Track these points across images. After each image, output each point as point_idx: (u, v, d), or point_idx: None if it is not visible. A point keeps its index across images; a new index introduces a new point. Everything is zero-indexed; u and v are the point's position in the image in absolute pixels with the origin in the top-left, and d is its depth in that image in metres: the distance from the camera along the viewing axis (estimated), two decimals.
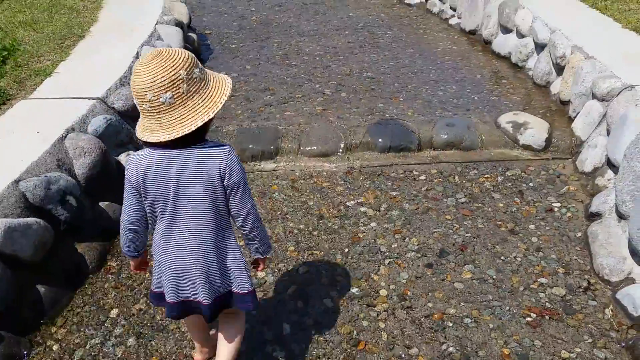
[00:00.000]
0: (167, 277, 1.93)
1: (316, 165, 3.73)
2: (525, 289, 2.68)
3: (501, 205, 3.30)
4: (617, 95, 3.41)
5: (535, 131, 3.82)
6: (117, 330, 2.47)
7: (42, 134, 2.94)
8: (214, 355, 2.18)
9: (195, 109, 1.71)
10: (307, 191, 3.47)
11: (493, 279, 2.74)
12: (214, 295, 1.94)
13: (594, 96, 3.64)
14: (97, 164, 2.98)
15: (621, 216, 2.85)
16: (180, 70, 1.67)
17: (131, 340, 2.42)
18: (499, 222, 3.14)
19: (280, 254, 2.92)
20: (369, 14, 6.84)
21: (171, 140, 1.71)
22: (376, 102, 4.44)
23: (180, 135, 1.70)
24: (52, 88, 3.49)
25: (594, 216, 3.10)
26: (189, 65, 1.69)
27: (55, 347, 2.38)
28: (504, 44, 5.29)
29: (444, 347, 2.38)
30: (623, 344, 2.38)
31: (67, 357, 2.34)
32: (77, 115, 3.13)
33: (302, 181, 3.57)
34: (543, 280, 2.73)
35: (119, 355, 2.35)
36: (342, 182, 3.57)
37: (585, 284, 2.72)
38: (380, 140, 3.85)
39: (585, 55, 3.93)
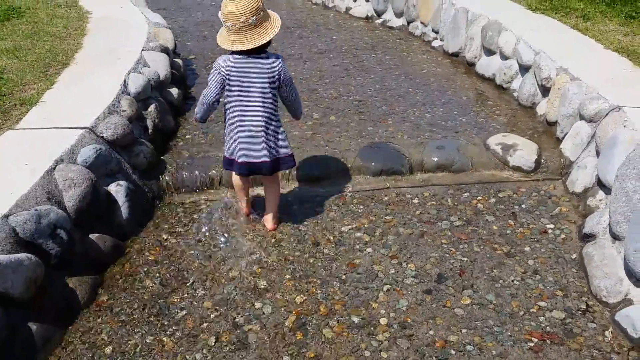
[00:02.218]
0: (241, 145, 2.97)
1: (308, 190, 3.70)
2: (525, 313, 2.67)
3: (495, 227, 3.31)
4: (605, 116, 3.45)
5: (525, 152, 3.85)
6: None
7: (30, 166, 2.87)
8: (250, 207, 3.43)
9: (267, 27, 2.83)
10: (301, 217, 3.44)
11: (493, 303, 2.73)
12: (271, 156, 3.01)
13: (582, 117, 3.70)
14: (87, 196, 2.91)
15: (615, 237, 2.87)
16: (259, 2, 2.77)
17: None
18: (495, 245, 3.14)
19: (277, 283, 2.88)
20: (352, 37, 6.89)
21: (250, 49, 2.80)
22: (365, 125, 4.44)
23: (260, 44, 2.81)
24: (38, 118, 3.42)
25: (587, 237, 3.11)
26: (262, 1, 2.80)
27: None
28: (487, 65, 5.36)
29: None
30: None
31: None
32: (65, 146, 3.06)
33: (295, 207, 3.54)
34: (542, 303, 2.72)
35: None
36: (335, 207, 3.54)
37: (583, 306, 2.72)
38: (372, 164, 3.85)
39: (571, 76, 4.00)
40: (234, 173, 3.22)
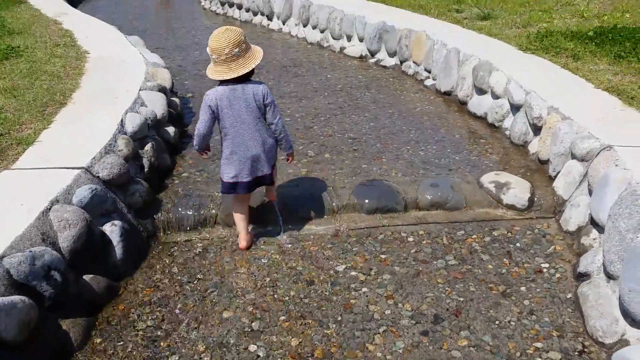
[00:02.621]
0: (246, 165, 3.26)
1: (303, 229, 3.71)
2: (522, 355, 2.65)
3: (491, 267, 3.31)
4: (597, 155, 3.50)
5: (518, 191, 3.88)
6: None
7: (26, 206, 2.88)
8: (252, 244, 3.56)
9: (249, 58, 3.12)
10: (296, 256, 3.44)
11: (490, 345, 2.71)
12: (269, 168, 3.36)
13: (574, 156, 3.74)
14: (82, 236, 2.91)
15: (610, 276, 2.88)
16: (241, 36, 3.07)
17: None
18: (491, 285, 3.14)
19: (272, 325, 2.85)
20: (347, 76, 7.00)
21: (236, 77, 3.08)
22: (359, 162, 4.48)
23: (243, 73, 3.09)
24: (35, 157, 3.43)
25: (582, 276, 3.12)
26: (244, 34, 3.11)
27: None
28: (479, 104, 5.44)
29: None
30: None
31: None
32: (61, 186, 3.07)
33: (289, 245, 3.54)
34: (538, 344, 2.71)
35: None
36: (331, 245, 3.55)
37: (579, 347, 2.71)
38: (366, 201, 3.87)
39: (562, 115, 4.06)
40: (233, 199, 3.46)
